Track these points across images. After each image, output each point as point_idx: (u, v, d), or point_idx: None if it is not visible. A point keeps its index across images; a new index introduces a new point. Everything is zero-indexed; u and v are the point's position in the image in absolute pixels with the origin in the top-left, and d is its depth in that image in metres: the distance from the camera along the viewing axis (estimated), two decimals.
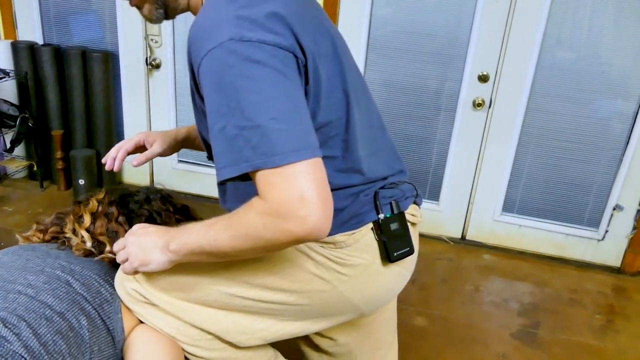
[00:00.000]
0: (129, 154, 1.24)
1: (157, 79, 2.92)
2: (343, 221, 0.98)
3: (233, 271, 0.99)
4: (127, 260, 0.97)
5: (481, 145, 2.66)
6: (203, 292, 1.01)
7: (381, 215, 1.00)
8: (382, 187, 1.03)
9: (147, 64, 2.89)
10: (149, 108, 2.99)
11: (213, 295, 1.01)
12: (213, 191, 3.06)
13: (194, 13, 1.01)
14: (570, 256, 2.75)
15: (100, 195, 1.17)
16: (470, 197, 2.77)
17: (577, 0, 2.35)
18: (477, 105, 2.57)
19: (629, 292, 2.53)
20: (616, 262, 2.70)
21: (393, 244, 1.01)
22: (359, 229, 1.00)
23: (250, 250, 0.81)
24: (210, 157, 1.06)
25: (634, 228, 2.61)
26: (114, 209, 1.14)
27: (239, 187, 1.03)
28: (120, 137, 3.07)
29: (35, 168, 3.05)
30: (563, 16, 2.39)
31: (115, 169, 1.20)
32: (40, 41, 2.97)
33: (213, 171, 3.21)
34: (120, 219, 1.13)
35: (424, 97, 2.65)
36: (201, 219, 1.16)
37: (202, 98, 0.85)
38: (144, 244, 0.95)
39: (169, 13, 1.03)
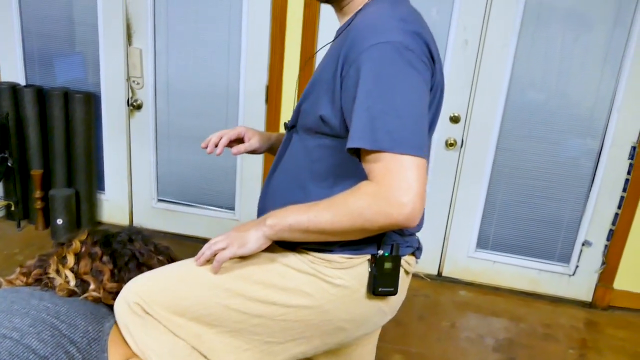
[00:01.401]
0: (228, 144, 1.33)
1: (138, 120, 2.97)
2: (349, 242, 1.05)
3: (231, 284, 1.06)
4: (224, 248, 1.06)
5: (454, 184, 2.75)
6: (201, 305, 1.07)
7: (380, 252, 1.08)
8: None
9: (128, 105, 2.94)
10: (130, 148, 3.03)
11: (210, 309, 1.06)
12: (192, 230, 3.08)
13: (347, 10, 1.12)
14: (543, 291, 2.81)
15: (83, 236, 1.20)
16: (445, 234, 2.84)
17: (544, 43, 2.50)
18: (449, 145, 2.67)
19: (601, 327, 2.60)
20: (587, 296, 2.77)
21: (381, 280, 1.08)
22: (357, 256, 1.08)
23: (348, 228, 0.95)
24: (288, 127, 1.18)
25: (603, 263, 2.70)
26: (97, 249, 1.16)
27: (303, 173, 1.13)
28: (100, 177, 3.09)
29: (13, 208, 3.04)
30: (528, 60, 2.53)
31: (217, 154, 1.28)
32: (23, 82, 3.01)
33: (192, 210, 3.22)
34: (105, 258, 1.15)
35: None
36: (180, 259, 1.20)
37: (340, 75, 0.99)
38: (242, 228, 1.07)
39: None
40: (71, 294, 1.09)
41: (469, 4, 2.49)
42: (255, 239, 1.04)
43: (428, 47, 0.99)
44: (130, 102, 2.94)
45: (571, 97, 2.56)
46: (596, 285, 2.74)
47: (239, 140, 1.36)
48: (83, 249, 1.16)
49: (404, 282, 1.16)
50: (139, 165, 3.05)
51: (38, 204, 2.97)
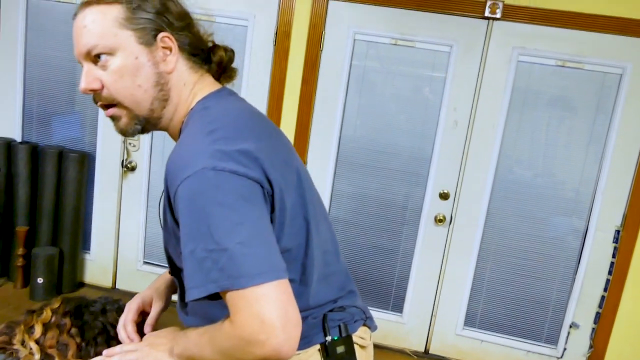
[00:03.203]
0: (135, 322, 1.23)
1: (131, 181, 2.99)
2: None
3: None
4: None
5: (443, 259, 2.74)
6: None
7: (328, 338, 1.03)
8: (331, 310, 1.07)
9: (122, 166, 2.97)
10: (120, 209, 3.03)
11: None
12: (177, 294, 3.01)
13: (172, 134, 1.10)
14: None
15: (55, 305, 1.17)
16: (433, 310, 2.79)
17: (531, 125, 2.58)
18: (438, 220, 2.68)
19: None
20: None
21: None
22: (306, 350, 1.03)
23: None
24: (171, 272, 1.11)
25: (591, 347, 2.64)
26: (67, 320, 1.13)
27: (201, 305, 1.06)
28: (87, 237, 3.06)
29: None
30: (515, 141, 2.60)
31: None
32: (19, 139, 3.04)
33: None
34: (73, 330, 1.12)
35: (390, 211, 2.76)
36: (157, 329, 1.16)
37: (175, 220, 0.91)
38: (159, 346, 1.02)
39: (147, 129, 1.08)
40: None
41: (459, 86, 2.58)
42: None
43: (245, 149, 0.88)
44: (124, 164, 2.97)
45: (557, 178, 2.61)
46: None
47: (143, 310, 1.27)
48: (53, 319, 1.12)
49: (363, 358, 1.11)
50: (128, 226, 3.04)
51: (19, 262, 2.92)
